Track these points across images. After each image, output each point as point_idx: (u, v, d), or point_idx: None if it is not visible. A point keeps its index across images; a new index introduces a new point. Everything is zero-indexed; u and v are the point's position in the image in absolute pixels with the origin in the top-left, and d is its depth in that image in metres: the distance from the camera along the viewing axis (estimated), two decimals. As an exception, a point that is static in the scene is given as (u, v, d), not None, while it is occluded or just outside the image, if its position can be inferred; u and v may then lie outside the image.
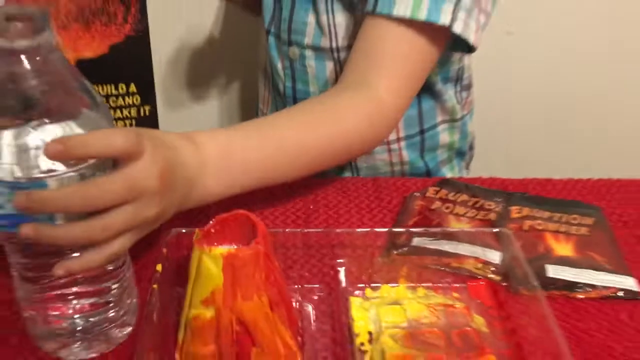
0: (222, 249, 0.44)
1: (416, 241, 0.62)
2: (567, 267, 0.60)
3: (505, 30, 1.20)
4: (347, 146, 0.64)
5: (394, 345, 0.52)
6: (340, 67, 0.77)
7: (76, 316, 0.48)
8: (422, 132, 0.83)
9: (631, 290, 0.58)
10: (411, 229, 0.63)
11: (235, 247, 0.46)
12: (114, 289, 0.49)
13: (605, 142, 1.32)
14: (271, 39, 0.81)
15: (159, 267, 0.50)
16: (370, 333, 0.53)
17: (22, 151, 0.41)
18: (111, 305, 0.49)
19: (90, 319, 0.49)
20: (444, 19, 0.65)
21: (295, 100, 0.81)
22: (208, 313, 0.45)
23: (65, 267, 0.43)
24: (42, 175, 0.42)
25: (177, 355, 0.49)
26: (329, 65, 0.78)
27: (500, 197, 0.70)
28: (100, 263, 0.45)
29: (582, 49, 1.22)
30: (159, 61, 0.64)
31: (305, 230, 0.57)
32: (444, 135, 0.85)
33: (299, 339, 0.52)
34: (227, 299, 0.45)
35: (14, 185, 0.41)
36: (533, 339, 0.50)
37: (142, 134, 0.46)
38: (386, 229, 0.60)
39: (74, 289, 0.47)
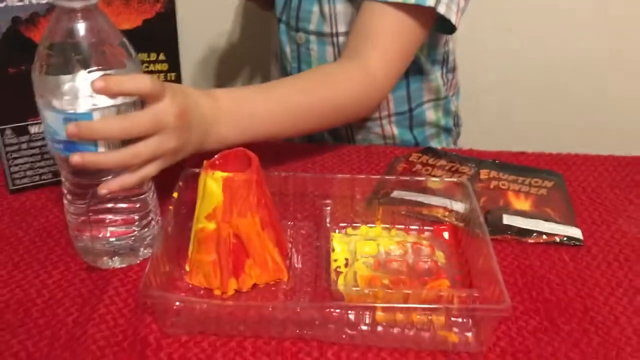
0: (222, 173, 0.56)
1: (396, 193, 0.72)
2: (522, 217, 0.70)
3: (506, 27, 1.30)
4: (341, 108, 0.76)
5: (365, 269, 0.63)
6: (339, 51, 0.89)
7: (112, 238, 0.60)
8: (410, 110, 0.95)
9: (575, 237, 0.68)
10: (388, 177, 0.73)
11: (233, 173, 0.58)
12: (141, 212, 0.61)
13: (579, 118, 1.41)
14: (282, 26, 0.93)
15: (175, 194, 0.62)
16: (346, 259, 0.64)
17: (76, 90, 0.53)
18: (137, 226, 0.61)
19: (122, 240, 0.61)
20: (430, 2, 0.77)
21: None
22: (211, 226, 0.57)
23: (106, 186, 0.56)
24: (88, 109, 0.54)
25: (186, 264, 0.60)
26: (329, 49, 0.90)
27: (473, 163, 0.80)
28: (133, 184, 0.56)
29: (575, 48, 1.32)
30: (185, 38, 0.75)
31: (298, 174, 0.68)
32: (430, 113, 0.96)
33: (287, 261, 0.63)
34: (225, 214, 0.57)
35: (68, 116, 0.53)
36: (479, 268, 0.61)
37: (165, 83, 0.58)
38: (364, 175, 0.71)
39: (109, 215, 0.59)
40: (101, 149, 0.54)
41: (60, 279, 0.60)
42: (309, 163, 0.81)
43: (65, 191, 0.60)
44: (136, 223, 0.61)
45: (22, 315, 0.56)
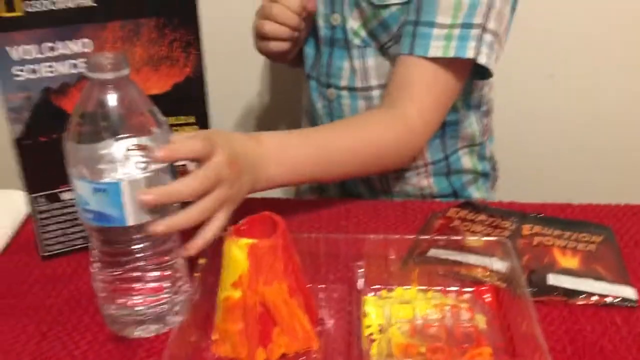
0: (247, 240, 0.55)
1: (432, 252, 0.70)
2: (569, 277, 0.66)
3: (548, 73, 1.27)
4: (381, 154, 0.78)
5: (400, 336, 0.60)
6: (371, 104, 0.89)
7: (139, 307, 0.59)
8: (446, 157, 0.93)
9: (628, 299, 0.63)
10: (423, 237, 0.71)
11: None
12: (170, 280, 0.60)
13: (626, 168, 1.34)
14: (312, 83, 0.94)
15: (202, 260, 0.61)
16: (380, 325, 0.61)
17: (106, 159, 0.54)
18: (166, 293, 0.60)
19: (150, 308, 0.60)
20: (470, 53, 0.77)
21: None
22: (236, 294, 0.55)
23: (190, 247, 0.58)
24: (117, 179, 0.54)
25: (213, 333, 0.59)
26: (362, 104, 0.89)
27: (516, 217, 0.77)
28: (213, 236, 0.59)
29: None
30: (215, 100, 0.76)
31: (329, 235, 0.66)
32: (465, 159, 0.94)
33: (318, 328, 0.60)
34: (251, 282, 0.55)
35: (97, 186, 0.53)
36: (522, 333, 0.57)
37: (211, 135, 0.61)
38: (398, 235, 0.69)
39: (138, 284, 0.59)
40: (127, 210, 0.54)
41: (87, 350, 0.59)
42: (342, 219, 0.79)
43: (93, 259, 0.60)
44: (165, 291, 0.60)
45: (48, 389, 0.55)
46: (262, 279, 0.55)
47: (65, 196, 0.70)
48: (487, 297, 0.65)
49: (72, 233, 0.72)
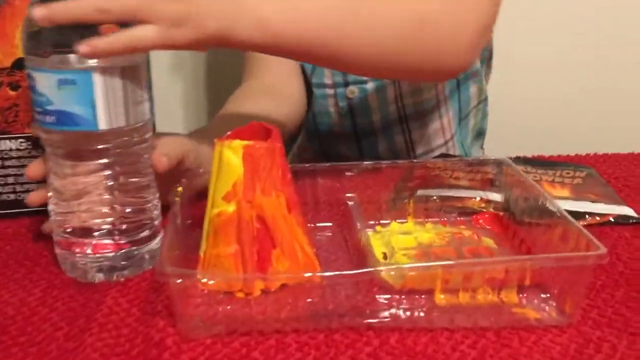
0: (242, 142, 0.48)
1: (421, 192, 0.65)
2: (565, 201, 0.63)
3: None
4: (420, 17, 0.57)
5: (408, 260, 0.54)
6: (400, 87, 0.80)
7: (107, 253, 0.51)
8: (460, 121, 0.86)
9: (630, 215, 0.62)
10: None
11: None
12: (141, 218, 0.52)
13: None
14: (319, 92, 0.84)
15: (179, 188, 0.53)
16: (384, 253, 0.56)
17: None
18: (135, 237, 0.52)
19: (118, 254, 0.51)
20: None
21: (357, 135, 0.83)
22: (230, 208, 0.48)
23: (91, 43, 0.44)
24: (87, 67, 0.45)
25: (198, 268, 0.51)
26: (390, 91, 0.81)
27: (495, 164, 0.74)
28: (121, 46, 0.45)
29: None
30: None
31: (317, 166, 0.60)
32: (472, 120, 0.89)
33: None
34: (247, 191, 0.48)
35: (62, 79, 0.44)
36: (543, 246, 0.53)
37: None
38: (390, 162, 0.64)
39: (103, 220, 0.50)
40: (100, 112, 0.46)
41: (44, 296, 0.49)
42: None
43: (50, 194, 0.51)
44: (137, 231, 0.52)
45: (-3, 337, 0.45)
46: (259, 187, 0.48)
47: None
48: (487, 224, 0.61)
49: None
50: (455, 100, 0.85)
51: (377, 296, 0.48)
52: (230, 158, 0.48)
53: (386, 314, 0.47)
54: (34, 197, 0.56)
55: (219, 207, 0.49)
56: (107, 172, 0.49)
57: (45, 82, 0.45)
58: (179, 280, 0.43)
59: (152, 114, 0.51)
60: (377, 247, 0.57)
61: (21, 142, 0.62)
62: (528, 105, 1.37)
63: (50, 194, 0.51)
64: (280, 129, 0.50)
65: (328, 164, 0.61)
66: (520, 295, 0.48)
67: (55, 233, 0.52)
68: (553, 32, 1.29)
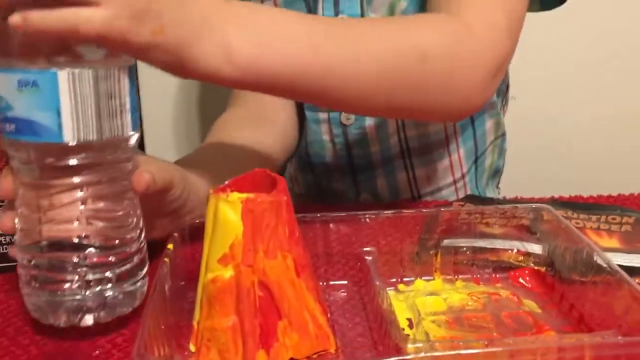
0: (241, 194, 0.41)
1: (447, 242, 0.58)
2: (616, 254, 0.55)
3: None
4: (421, 52, 0.50)
5: (438, 329, 0.46)
6: (402, 122, 0.72)
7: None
8: (476, 159, 0.78)
9: (693, 271, 0.53)
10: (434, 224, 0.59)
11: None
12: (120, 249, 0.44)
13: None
14: (312, 115, 0.75)
15: (170, 246, 0.46)
16: (409, 319, 0.48)
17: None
18: (111, 274, 0.44)
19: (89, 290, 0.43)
20: None
21: (353, 169, 0.74)
22: (227, 273, 0.41)
23: (23, 13, 0.36)
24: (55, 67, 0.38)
25: (191, 341, 0.43)
26: (391, 120, 0.72)
27: (529, 207, 0.66)
28: (53, 22, 0.37)
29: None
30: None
31: (329, 215, 0.52)
32: (488, 158, 0.80)
33: (331, 325, 0.46)
34: (247, 254, 0.41)
35: (23, 79, 0.38)
36: (596, 313, 0.45)
37: None
38: (414, 210, 0.56)
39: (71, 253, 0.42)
40: (67, 121, 0.38)
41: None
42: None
43: (18, 209, 0.43)
44: (112, 266, 0.43)
45: None
46: (262, 247, 0.41)
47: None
48: (527, 282, 0.53)
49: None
50: (469, 137, 0.77)
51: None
52: (228, 214, 0.40)
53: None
54: (5, 223, 0.44)
55: (214, 271, 0.41)
56: (78, 195, 0.41)
57: (4, 83, 0.38)
58: (161, 371, 0.35)
59: (137, 129, 0.43)
60: (401, 312, 0.49)
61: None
62: (549, 138, 1.30)
63: (19, 210, 0.43)
64: (268, 161, 0.43)
65: (343, 213, 0.54)
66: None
67: (18, 258, 0.44)
68: (579, 52, 1.23)
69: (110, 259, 0.43)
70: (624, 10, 1.20)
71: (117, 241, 0.43)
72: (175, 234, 0.48)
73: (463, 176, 0.77)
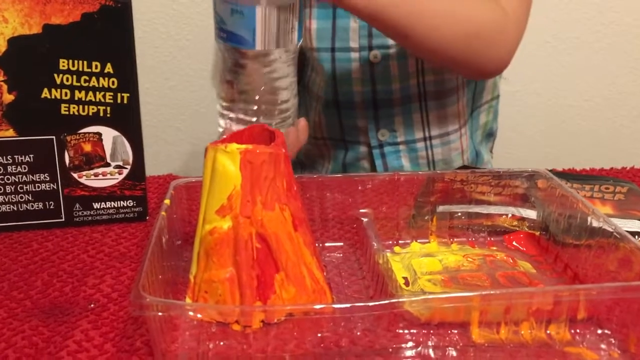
0: (240, 145, 0.41)
1: (442, 208, 0.58)
2: (614, 219, 0.56)
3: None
4: (477, 31, 0.68)
5: (434, 287, 0.47)
6: (422, 62, 0.79)
7: None
8: (472, 111, 0.84)
9: (685, 237, 0.54)
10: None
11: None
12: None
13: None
14: (344, 55, 0.81)
15: (167, 201, 0.46)
16: (405, 278, 0.48)
17: None
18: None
19: None
20: None
21: (375, 104, 0.81)
22: (225, 224, 0.41)
23: None
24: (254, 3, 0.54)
25: (187, 295, 0.43)
26: (412, 63, 0.78)
27: (524, 176, 0.67)
28: None
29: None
30: (144, 44, 0.60)
31: (326, 177, 0.53)
32: (483, 116, 0.86)
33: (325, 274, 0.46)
34: (245, 205, 0.41)
35: (234, 9, 0.54)
36: (594, 272, 0.46)
37: None
38: (409, 172, 0.57)
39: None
40: (258, 36, 0.55)
41: (2, 328, 0.42)
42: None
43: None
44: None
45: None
46: (260, 199, 0.41)
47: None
48: (522, 245, 0.54)
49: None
50: (471, 88, 0.83)
51: (400, 331, 0.41)
52: (226, 165, 0.41)
53: (412, 352, 0.39)
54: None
55: (211, 223, 0.41)
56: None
57: (222, 7, 0.55)
58: (159, 313, 0.35)
59: (300, 40, 0.58)
60: (397, 271, 0.49)
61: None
62: (545, 109, 1.31)
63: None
64: None
65: (340, 175, 0.54)
66: (572, 331, 0.41)
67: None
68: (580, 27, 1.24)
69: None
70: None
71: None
72: (172, 191, 0.48)
73: (465, 124, 0.82)
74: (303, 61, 0.83)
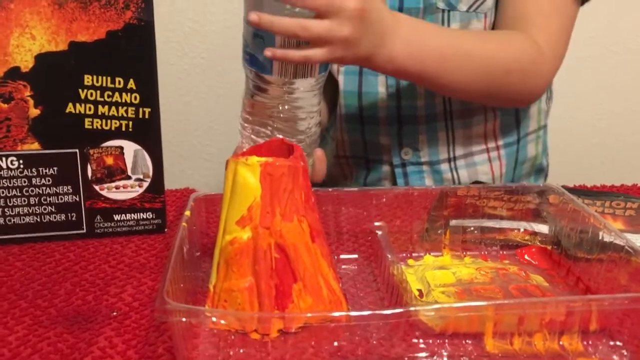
0: (260, 158, 0.42)
1: (455, 222, 0.59)
2: (626, 235, 0.57)
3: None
4: (506, 67, 0.69)
5: (448, 299, 0.48)
6: None
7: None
8: (518, 140, 0.82)
9: (696, 251, 0.55)
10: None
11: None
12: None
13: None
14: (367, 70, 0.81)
15: (187, 212, 0.47)
16: (419, 290, 0.49)
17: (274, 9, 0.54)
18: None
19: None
20: None
21: (399, 120, 0.81)
22: (244, 235, 0.42)
23: (272, 50, 0.54)
24: None
25: (207, 304, 0.44)
26: None
27: (535, 191, 0.68)
28: (295, 59, 0.55)
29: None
30: (165, 60, 0.62)
31: (342, 191, 0.54)
32: (531, 147, 0.84)
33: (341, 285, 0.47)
34: (265, 216, 0.42)
35: (257, 32, 0.55)
36: (606, 285, 0.47)
37: None
38: (422, 187, 0.58)
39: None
40: (276, 64, 0.55)
41: (28, 334, 0.43)
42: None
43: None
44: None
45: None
46: (279, 210, 0.42)
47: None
48: (534, 259, 0.55)
49: None
50: (510, 112, 0.82)
51: (415, 340, 0.41)
52: (247, 177, 0.42)
53: (426, 362, 0.40)
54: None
55: (231, 233, 0.43)
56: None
57: (247, 30, 0.56)
58: (183, 319, 0.37)
59: (324, 69, 0.59)
60: (411, 283, 0.50)
61: (12, 161, 0.57)
62: (556, 127, 1.30)
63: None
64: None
65: (355, 189, 0.55)
66: (585, 342, 0.42)
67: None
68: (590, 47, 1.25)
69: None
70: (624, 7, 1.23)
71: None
72: (192, 203, 0.49)
73: (498, 148, 0.81)
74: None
